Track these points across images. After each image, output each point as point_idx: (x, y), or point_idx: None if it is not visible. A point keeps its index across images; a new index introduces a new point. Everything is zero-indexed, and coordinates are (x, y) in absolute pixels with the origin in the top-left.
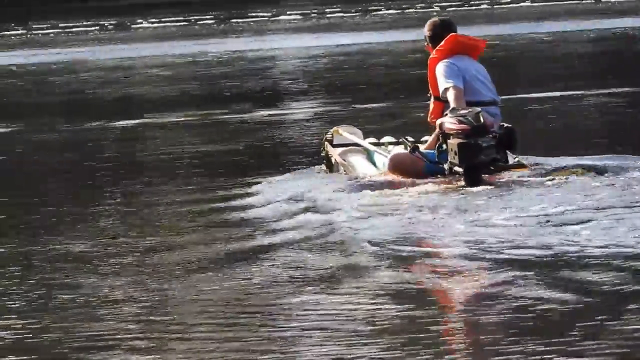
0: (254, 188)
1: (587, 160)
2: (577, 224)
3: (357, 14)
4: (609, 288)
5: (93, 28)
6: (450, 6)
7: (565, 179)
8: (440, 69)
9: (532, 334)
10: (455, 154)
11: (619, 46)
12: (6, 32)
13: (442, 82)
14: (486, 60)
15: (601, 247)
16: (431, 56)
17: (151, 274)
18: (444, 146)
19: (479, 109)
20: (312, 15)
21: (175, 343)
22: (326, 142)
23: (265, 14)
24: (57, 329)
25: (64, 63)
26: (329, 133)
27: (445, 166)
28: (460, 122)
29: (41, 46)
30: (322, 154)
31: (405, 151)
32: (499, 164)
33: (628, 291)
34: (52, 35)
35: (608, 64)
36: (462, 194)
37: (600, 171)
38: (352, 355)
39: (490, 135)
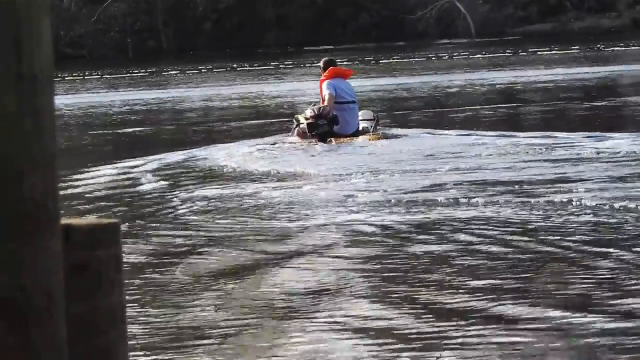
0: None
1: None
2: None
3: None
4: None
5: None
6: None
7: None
8: (325, 85)
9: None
10: (307, 127)
11: None
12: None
13: (325, 91)
14: None
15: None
16: (321, 78)
17: None
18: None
19: (325, 104)
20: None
21: None
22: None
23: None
24: None
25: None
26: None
27: (310, 135)
28: (312, 111)
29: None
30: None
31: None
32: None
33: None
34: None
35: None
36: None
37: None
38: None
39: (326, 118)
